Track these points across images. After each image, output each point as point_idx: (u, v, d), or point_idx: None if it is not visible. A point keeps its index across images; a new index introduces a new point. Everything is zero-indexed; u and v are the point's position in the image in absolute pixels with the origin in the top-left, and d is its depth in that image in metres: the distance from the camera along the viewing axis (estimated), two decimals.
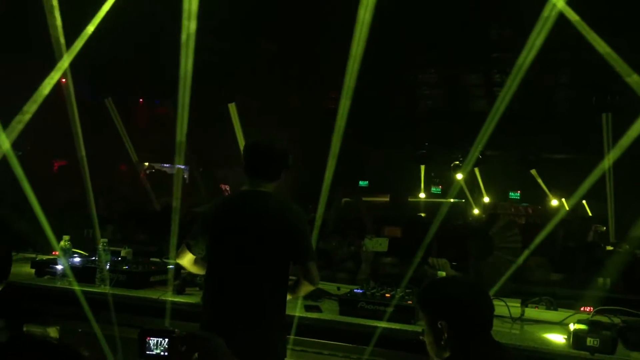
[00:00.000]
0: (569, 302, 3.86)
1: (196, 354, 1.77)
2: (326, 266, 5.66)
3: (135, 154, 9.43)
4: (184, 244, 3.25)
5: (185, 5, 3.99)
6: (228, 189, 12.66)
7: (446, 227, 4.87)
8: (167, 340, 1.85)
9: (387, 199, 15.51)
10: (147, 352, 1.85)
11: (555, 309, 3.80)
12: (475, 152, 4.87)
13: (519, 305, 3.67)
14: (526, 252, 4.18)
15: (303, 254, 3.11)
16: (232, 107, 8.61)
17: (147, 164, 11.94)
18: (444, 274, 3.70)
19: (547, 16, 3.53)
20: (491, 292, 3.44)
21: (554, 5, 3.42)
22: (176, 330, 1.86)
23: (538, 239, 3.99)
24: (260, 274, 3.06)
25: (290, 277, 3.21)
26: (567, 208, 13.68)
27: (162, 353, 1.84)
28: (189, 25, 4.02)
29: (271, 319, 3.06)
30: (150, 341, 1.83)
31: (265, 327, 3.03)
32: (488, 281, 3.88)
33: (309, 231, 3.24)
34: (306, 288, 3.23)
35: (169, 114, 11.16)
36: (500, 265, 4.31)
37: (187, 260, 3.26)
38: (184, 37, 4.09)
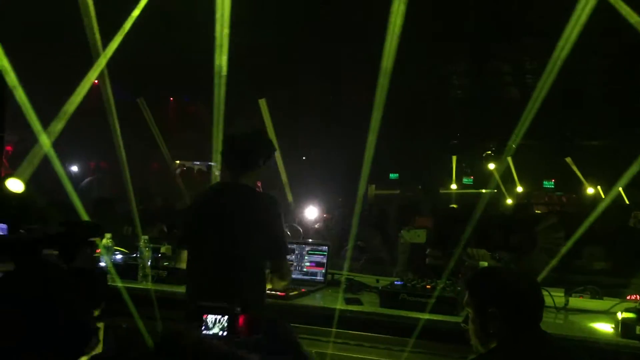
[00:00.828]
0: (615, 291, 3.78)
1: (258, 336, 1.69)
2: (360, 257, 5.67)
3: (169, 153, 9.52)
4: (178, 248, 3.26)
5: (219, 5, 4.00)
6: (259, 184, 12.71)
7: (485, 217, 4.80)
8: (226, 318, 1.73)
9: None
10: (204, 332, 1.72)
11: (601, 298, 3.72)
12: (515, 141, 4.79)
13: (562, 294, 3.61)
14: (569, 243, 4.07)
15: (273, 249, 3.10)
16: (263, 103, 8.61)
17: (178, 162, 12.05)
18: (485, 264, 3.66)
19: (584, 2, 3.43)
20: None
21: None
22: (237, 308, 1.73)
23: (582, 229, 3.89)
24: (237, 268, 3.03)
25: None
26: (603, 196, 13.44)
27: (220, 332, 1.72)
28: (223, 25, 4.04)
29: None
30: (207, 319, 1.70)
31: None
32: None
33: (281, 225, 3.20)
34: (277, 283, 3.24)
35: (199, 111, 11.28)
36: (537, 264, 4.23)
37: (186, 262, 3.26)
38: (217, 37, 4.11)
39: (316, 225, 6.75)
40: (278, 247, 3.13)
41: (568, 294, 3.63)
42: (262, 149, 3.18)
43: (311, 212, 8.64)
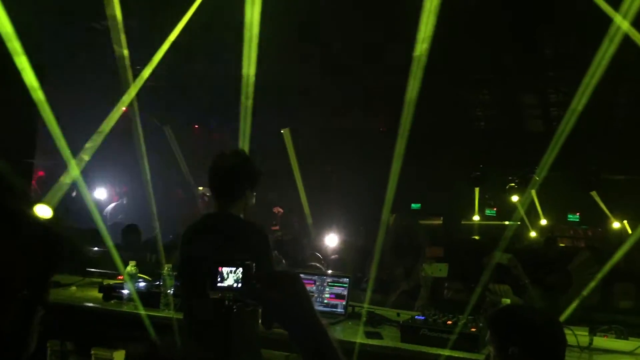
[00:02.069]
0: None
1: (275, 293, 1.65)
2: (381, 289, 5.62)
3: (193, 180, 9.66)
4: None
5: (247, 37, 4.10)
6: (281, 212, 12.76)
7: (511, 251, 4.77)
8: (241, 270, 1.73)
9: (439, 221, 15.30)
10: (219, 284, 1.72)
11: (626, 338, 3.66)
12: (541, 173, 4.78)
13: (586, 333, 3.55)
14: (598, 276, 4.01)
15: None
16: (286, 132, 8.73)
17: (201, 188, 12.17)
18: (508, 301, 3.62)
19: (612, 35, 3.45)
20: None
21: (619, 27, 3.35)
22: (252, 264, 1.73)
23: (609, 265, 3.84)
24: (247, 324, 2.96)
25: None
26: (630, 230, 13.21)
27: (234, 284, 1.72)
28: (250, 56, 4.13)
29: (241, 351, 2.94)
30: (222, 270, 1.71)
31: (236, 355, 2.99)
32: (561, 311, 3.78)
33: (271, 256, 3.17)
34: None
35: (224, 139, 11.41)
36: (574, 299, 4.17)
37: None
38: (244, 68, 4.20)
39: (332, 257, 6.72)
40: None
41: (592, 333, 3.57)
42: (246, 177, 3.14)
43: (331, 240, 8.63)
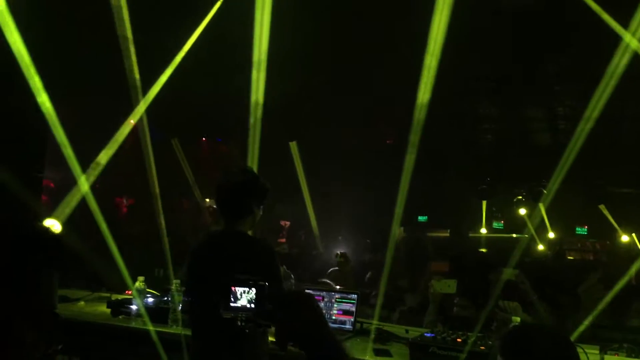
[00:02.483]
0: None
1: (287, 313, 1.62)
2: (388, 304, 5.60)
3: (200, 193, 9.68)
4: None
5: (256, 52, 4.13)
6: (287, 225, 12.77)
7: (517, 265, 4.75)
8: (254, 290, 1.70)
9: (446, 234, 15.27)
10: (232, 305, 1.70)
11: (637, 357, 3.61)
12: (552, 187, 4.78)
13: (597, 352, 3.52)
14: (606, 299, 3.99)
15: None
16: (293, 145, 8.76)
17: (208, 200, 12.19)
18: (518, 319, 3.59)
19: (621, 50, 3.46)
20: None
21: (627, 44, 3.35)
22: (266, 283, 1.70)
23: (618, 286, 3.81)
24: (239, 342, 2.94)
25: None
26: (638, 244, 13.13)
27: (248, 305, 1.69)
28: (259, 71, 4.16)
29: None
30: (236, 290, 1.68)
31: None
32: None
33: (279, 274, 3.14)
34: None
35: (231, 152, 11.45)
36: (583, 318, 4.14)
37: None
38: (253, 81, 4.22)
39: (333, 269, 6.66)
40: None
41: (603, 351, 3.54)
42: (253, 195, 3.13)
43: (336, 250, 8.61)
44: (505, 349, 2.24)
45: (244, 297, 1.71)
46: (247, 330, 2.47)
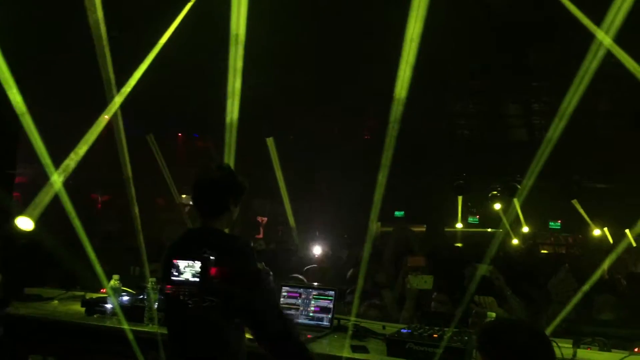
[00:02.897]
0: (624, 343, 3.74)
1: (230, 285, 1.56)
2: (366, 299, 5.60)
3: (177, 190, 9.59)
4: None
5: (232, 47, 4.09)
6: (265, 221, 12.75)
7: (496, 262, 4.80)
8: (199, 263, 1.61)
9: (422, 228, 15.40)
10: (174, 278, 1.60)
11: (609, 350, 3.68)
12: (528, 183, 4.82)
13: (570, 346, 3.58)
14: (577, 295, 4.04)
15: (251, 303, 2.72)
16: (270, 141, 8.73)
17: (184, 196, 12.10)
18: (494, 314, 3.63)
19: (595, 49, 3.51)
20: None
21: (601, 42, 3.40)
22: (211, 257, 1.58)
23: (596, 276, 3.87)
24: (209, 323, 2.78)
25: None
26: (609, 237, 13.41)
27: (191, 279, 1.58)
28: (236, 64, 4.12)
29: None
30: (178, 263, 1.59)
31: None
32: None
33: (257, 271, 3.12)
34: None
35: (208, 147, 11.38)
36: (552, 318, 4.19)
37: None
38: (230, 77, 4.19)
39: (311, 266, 6.64)
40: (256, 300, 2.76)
41: (576, 345, 3.59)
42: (231, 192, 3.07)
43: (317, 250, 8.64)
44: (482, 343, 2.27)
45: (188, 270, 1.64)
46: (189, 305, 2.40)
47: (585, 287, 3.83)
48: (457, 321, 3.60)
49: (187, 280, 1.62)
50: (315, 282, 5.09)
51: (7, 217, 4.93)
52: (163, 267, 2.96)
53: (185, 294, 1.66)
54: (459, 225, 14.50)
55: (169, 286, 1.69)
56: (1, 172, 5.51)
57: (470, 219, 15.07)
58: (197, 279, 1.63)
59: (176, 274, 1.62)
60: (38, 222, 4.62)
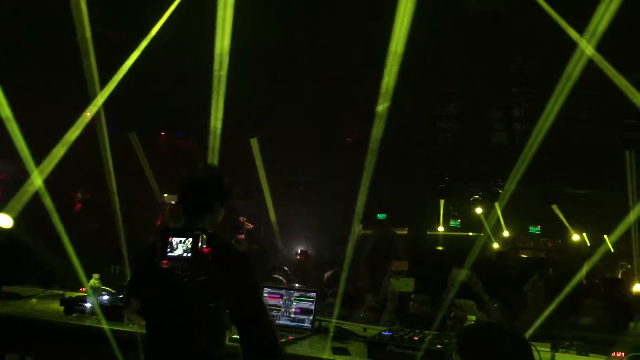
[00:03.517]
0: (601, 348, 3.79)
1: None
2: (347, 303, 5.62)
3: (159, 189, 9.53)
4: (125, 295, 3.15)
5: (217, 46, 4.08)
6: (246, 221, 12.70)
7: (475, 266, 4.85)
8: (190, 240, 1.68)
9: (404, 231, 15.46)
10: (169, 254, 1.68)
11: (587, 354, 3.73)
12: (510, 188, 4.87)
13: (549, 350, 3.62)
14: (558, 299, 4.09)
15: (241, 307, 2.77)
16: (254, 142, 8.72)
17: (166, 195, 12.03)
18: (474, 318, 3.66)
19: (578, 58, 3.57)
20: None
21: (583, 51, 3.45)
22: (203, 235, 1.63)
23: (575, 281, 3.92)
24: (201, 297, 2.77)
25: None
26: (588, 242, 13.59)
27: (184, 254, 1.66)
28: (221, 66, 4.11)
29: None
30: (172, 241, 1.66)
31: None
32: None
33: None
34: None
35: (191, 147, 11.32)
36: (531, 321, 4.24)
37: (131, 310, 3.10)
38: (215, 79, 4.18)
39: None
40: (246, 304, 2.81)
41: (554, 349, 3.64)
42: (217, 192, 3.05)
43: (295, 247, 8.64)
44: (462, 346, 2.29)
45: (180, 246, 1.70)
46: (185, 280, 2.45)
47: (565, 291, 3.87)
48: (437, 324, 3.63)
49: (180, 256, 1.69)
50: (297, 278, 5.10)
51: None
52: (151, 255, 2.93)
53: (179, 268, 1.73)
54: (441, 229, 14.57)
55: (165, 261, 1.76)
56: None
57: (452, 223, 15.11)
58: (190, 254, 1.70)
59: (169, 250, 1.70)
60: (17, 220, 4.56)
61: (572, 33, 3.79)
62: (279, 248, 9.37)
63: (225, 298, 2.69)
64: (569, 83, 3.87)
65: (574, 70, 3.72)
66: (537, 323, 3.76)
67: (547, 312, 3.92)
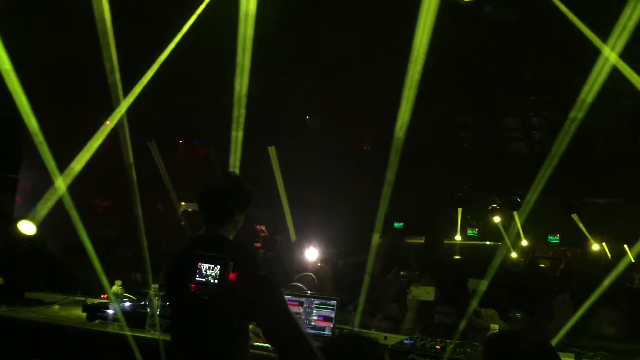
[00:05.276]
0: (625, 357, 3.74)
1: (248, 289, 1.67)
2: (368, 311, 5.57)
3: (176, 195, 9.57)
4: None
5: (239, 59, 4.12)
6: (264, 229, 12.73)
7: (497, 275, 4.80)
8: (219, 267, 1.75)
9: (421, 240, 15.39)
10: (198, 278, 1.75)
11: None
12: (532, 196, 4.84)
13: (573, 359, 3.59)
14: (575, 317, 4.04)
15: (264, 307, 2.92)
16: (272, 150, 8.75)
17: (183, 203, 12.10)
18: (497, 327, 3.63)
19: (602, 66, 3.54)
20: None
21: (607, 58, 3.43)
22: (230, 262, 1.70)
23: (595, 296, 3.88)
24: (214, 330, 2.87)
25: None
26: (608, 253, 13.41)
27: (212, 280, 1.74)
28: (242, 76, 4.15)
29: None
30: (202, 267, 1.74)
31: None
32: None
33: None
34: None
35: (209, 155, 11.38)
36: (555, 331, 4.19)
37: None
38: (237, 86, 4.21)
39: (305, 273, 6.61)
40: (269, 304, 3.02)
41: (578, 358, 3.60)
42: (237, 200, 3.10)
43: (311, 254, 8.58)
44: (488, 354, 2.27)
45: (209, 273, 1.76)
46: (212, 306, 2.51)
47: (589, 302, 3.83)
48: (459, 333, 3.61)
49: (207, 282, 1.75)
50: (310, 289, 5.08)
51: (10, 221, 4.93)
52: (179, 270, 2.95)
53: (205, 293, 1.79)
54: (458, 238, 14.48)
55: (193, 285, 1.82)
56: (4, 176, 5.51)
57: (470, 232, 15.04)
58: (217, 281, 1.76)
59: (198, 275, 1.76)
60: (40, 227, 4.63)
61: (594, 39, 3.76)
62: (291, 241, 9.35)
63: (255, 318, 2.69)
64: (591, 91, 3.85)
65: (597, 78, 3.69)
66: (561, 332, 3.71)
67: (570, 323, 3.87)
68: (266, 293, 1.73)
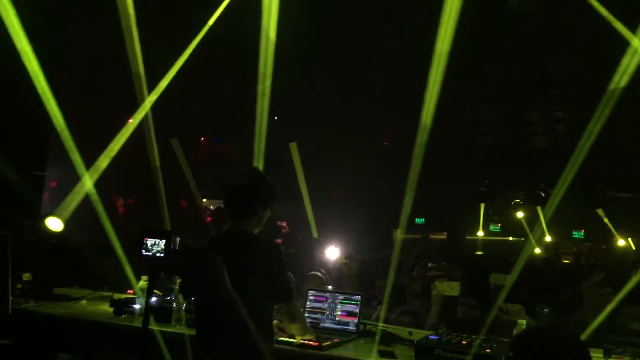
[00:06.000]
0: None
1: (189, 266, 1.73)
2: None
3: (198, 192, 9.64)
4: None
5: (262, 57, 4.14)
6: (285, 225, 12.75)
7: (524, 270, 4.76)
8: (164, 241, 1.85)
9: (443, 236, 15.30)
10: (144, 253, 1.84)
11: None
12: (559, 192, 4.80)
13: (601, 355, 3.54)
14: (616, 298, 3.98)
15: (276, 293, 3.12)
16: (293, 146, 8.76)
17: (205, 200, 12.17)
18: (524, 322, 3.59)
19: (630, 57, 3.48)
20: None
21: (636, 49, 3.37)
22: (178, 238, 1.80)
23: (628, 288, 3.82)
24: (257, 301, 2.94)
25: None
26: (634, 247, 13.21)
27: (157, 254, 1.85)
28: (265, 75, 4.17)
29: None
30: (147, 241, 1.84)
31: None
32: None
33: (282, 269, 3.18)
34: (291, 327, 3.37)
35: (230, 152, 11.44)
36: (583, 324, 4.13)
37: None
38: (260, 86, 4.23)
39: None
40: (281, 290, 3.14)
41: (607, 355, 3.56)
42: (261, 195, 3.16)
43: (332, 253, 8.58)
44: (516, 351, 2.24)
45: (154, 247, 1.84)
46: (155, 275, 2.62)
47: (620, 296, 3.78)
48: (486, 328, 3.58)
49: (153, 255, 1.89)
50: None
51: (37, 218, 5.01)
52: None
53: (151, 265, 1.94)
54: (480, 233, 14.37)
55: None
56: (31, 173, 5.60)
57: (492, 227, 14.91)
58: (162, 255, 1.89)
59: (144, 249, 1.88)
60: (67, 223, 4.69)
61: (624, 31, 3.70)
62: (313, 237, 9.37)
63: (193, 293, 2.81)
64: (619, 84, 3.79)
65: (626, 70, 3.63)
66: (591, 328, 3.67)
67: (601, 317, 3.82)
68: (206, 270, 1.84)
